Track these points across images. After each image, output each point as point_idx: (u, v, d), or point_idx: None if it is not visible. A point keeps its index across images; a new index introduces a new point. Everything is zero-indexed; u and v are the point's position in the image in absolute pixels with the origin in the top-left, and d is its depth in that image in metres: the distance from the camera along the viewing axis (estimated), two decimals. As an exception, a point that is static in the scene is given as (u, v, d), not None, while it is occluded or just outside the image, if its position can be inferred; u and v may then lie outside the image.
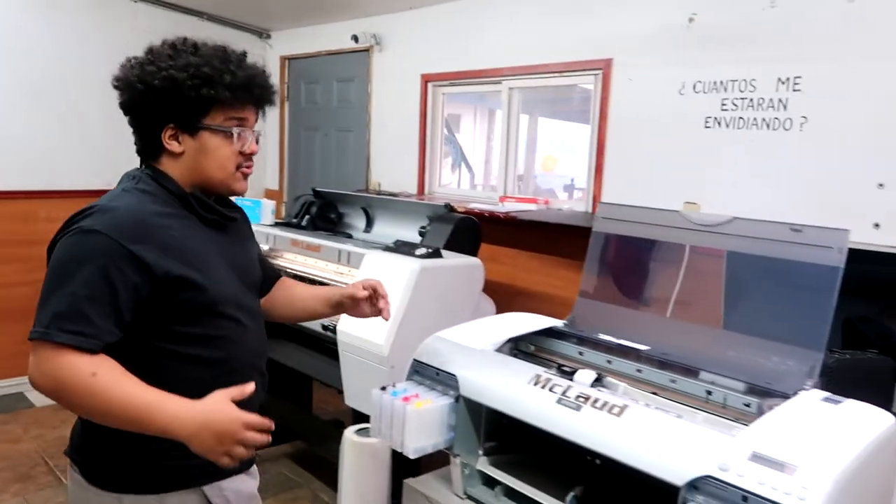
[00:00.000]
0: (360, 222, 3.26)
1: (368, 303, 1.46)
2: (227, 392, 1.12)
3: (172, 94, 1.20)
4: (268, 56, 4.77)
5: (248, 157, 1.30)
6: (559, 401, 1.29)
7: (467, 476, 1.49)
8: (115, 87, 1.26)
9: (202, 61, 1.21)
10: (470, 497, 1.49)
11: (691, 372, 1.43)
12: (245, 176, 1.33)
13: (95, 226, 1.15)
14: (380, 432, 1.49)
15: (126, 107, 1.26)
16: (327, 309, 1.52)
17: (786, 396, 1.27)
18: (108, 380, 1.11)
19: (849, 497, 1.00)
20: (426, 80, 3.76)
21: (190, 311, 1.21)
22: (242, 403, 1.14)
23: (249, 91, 1.28)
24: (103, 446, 1.23)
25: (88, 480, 1.24)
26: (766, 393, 1.32)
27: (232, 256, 1.33)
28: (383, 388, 1.51)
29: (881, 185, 2.22)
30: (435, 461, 1.57)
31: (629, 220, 1.68)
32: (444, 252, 2.52)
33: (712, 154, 2.61)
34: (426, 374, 1.55)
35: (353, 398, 2.38)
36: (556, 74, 3.15)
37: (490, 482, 1.49)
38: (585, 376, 1.37)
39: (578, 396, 1.28)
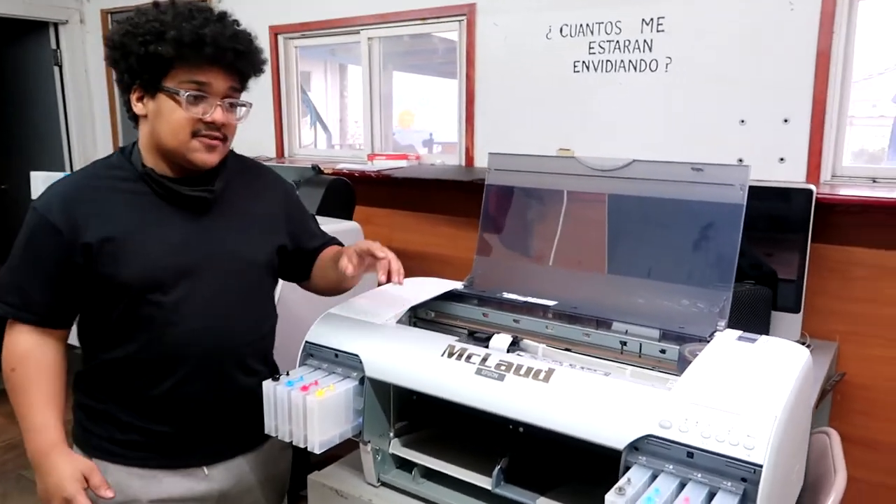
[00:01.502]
0: (216, 193, 2.95)
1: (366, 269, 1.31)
2: (86, 466, 1.23)
3: (128, 50, 1.18)
4: (85, 10, 4.19)
5: (209, 126, 1.20)
6: (479, 371, 1.18)
7: (380, 462, 1.36)
8: (106, 47, 1.25)
9: (156, 16, 1.17)
10: (385, 484, 1.36)
11: (603, 324, 1.38)
12: (209, 147, 1.22)
13: (36, 202, 1.23)
14: (276, 429, 1.32)
15: (111, 67, 1.25)
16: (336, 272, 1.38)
17: (702, 340, 1.24)
18: (20, 382, 1.23)
19: (788, 434, 0.98)
20: (275, 32, 3.46)
21: (112, 290, 1.22)
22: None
23: (198, 49, 1.15)
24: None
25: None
26: (681, 338, 1.29)
27: (202, 238, 1.26)
28: (275, 379, 1.33)
29: (742, 121, 2.30)
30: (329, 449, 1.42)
31: (523, 170, 1.59)
32: (318, 218, 2.32)
33: (583, 99, 2.60)
34: (322, 356, 1.38)
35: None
36: (418, 22, 2.99)
37: (406, 465, 1.37)
38: (501, 341, 1.27)
39: (499, 365, 1.18)
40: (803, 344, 1.97)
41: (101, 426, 1.32)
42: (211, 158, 1.23)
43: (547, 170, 1.55)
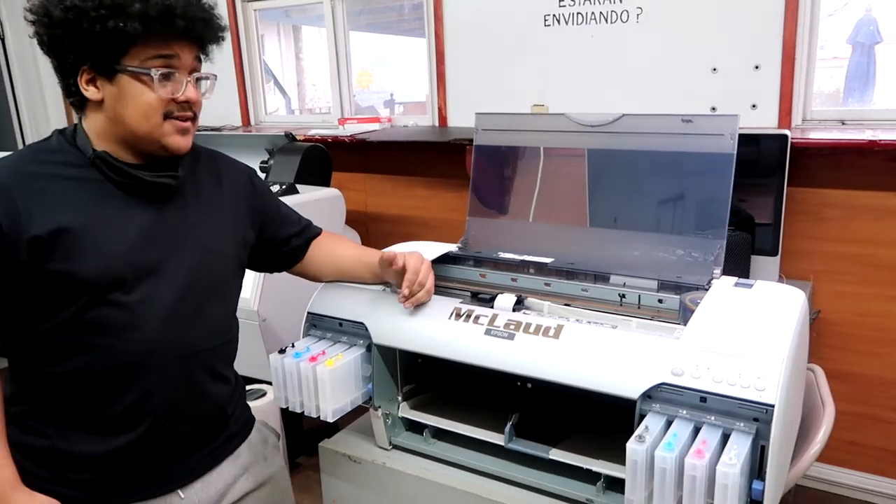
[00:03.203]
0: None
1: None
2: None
3: (75, 27, 1.01)
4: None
5: (182, 105, 1.08)
6: (488, 332, 1.20)
7: (390, 426, 1.38)
8: (29, 22, 1.05)
9: None
10: (397, 447, 1.39)
11: (601, 278, 1.41)
12: (182, 130, 1.09)
13: None
14: (286, 400, 1.32)
15: (39, 45, 1.06)
16: (374, 279, 1.37)
17: (701, 288, 1.28)
18: None
19: (793, 374, 1.03)
20: (233, -5, 3.34)
21: (65, 289, 1.04)
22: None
23: (169, 24, 1.03)
24: None
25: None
26: (679, 287, 1.32)
27: (165, 230, 1.11)
28: (282, 351, 1.33)
29: (714, 69, 2.32)
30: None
31: (512, 129, 1.59)
32: (297, 187, 2.29)
33: (555, 53, 2.58)
34: (326, 326, 1.38)
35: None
36: (383, -20, 2.91)
37: (416, 427, 1.39)
38: (506, 300, 1.29)
39: (508, 324, 1.20)
40: (782, 285, 2.06)
41: (47, 468, 1.10)
42: (186, 142, 1.12)
43: (536, 128, 1.56)
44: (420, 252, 1.34)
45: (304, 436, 2.38)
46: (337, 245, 1.41)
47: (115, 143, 1.09)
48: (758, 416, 0.97)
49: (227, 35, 1.19)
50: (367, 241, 2.94)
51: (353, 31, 3.52)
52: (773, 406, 0.96)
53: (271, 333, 2.09)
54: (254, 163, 2.65)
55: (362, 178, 3.15)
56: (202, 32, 1.10)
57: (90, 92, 1.05)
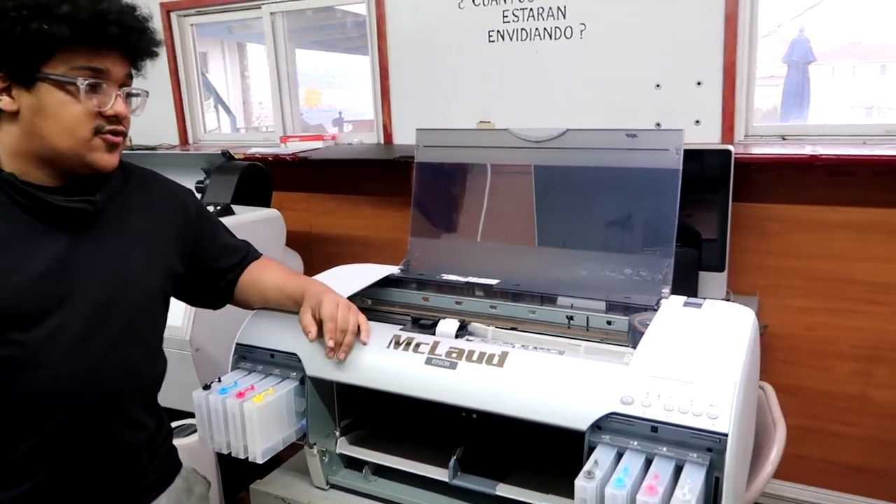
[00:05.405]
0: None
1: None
2: None
3: None
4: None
5: (111, 120, 1.00)
6: (429, 361, 1.13)
7: (327, 463, 1.29)
8: None
9: None
10: (335, 486, 1.29)
11: (548, 299, 1.35)
12: (111, 146, 1.01)
13: None
14: (212, 440, 1.22)
15: None
16: (298, 308, 1.24)
17: (650, 309, 1.23)
18: None
19: (745, 398, 0.98)
20: (167, 9, 3.22)
21: None
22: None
23: (101, 30, 0.94)
24: None
25: None
26: (627, 308, 1.28)
27: (78, 260, 1.01)
28: (206, 387, 1.23)
29: (658, 85, 2.31)
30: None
31: (455, 145, 1.53)
32: (234, 207, 2.18)
33: (500, 69, 2.55)
34: (256, 358, 1.29)
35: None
36: (323, -6, 2.85)
37: (355, 463, 1.30)
38: (448, 326, 1.22)
39: (450, 352, 1.12)
40: (728, 301, 2.04)
41: None
42: (113, 160, 1.02)
43: (478, 144, 1.50)
44: (330, 293, 1.22)
45: (245, 468, 2.24)
46: (263, 272, 1.31)
47: (31, 161, 0.99)
48: (711, 447, 0.92)
49: (162, 50, 1.10)
50: (312, 263, 2.84)
51: (300, 48, 3.44)
52: (726, 435, 0.91)
53: (206, 364, 1.97)
54: (190, 183, 2.53)
55: (306, 197, 3.05)
56: (136, 43, 1.02)
57: (3, 102, 0.96)
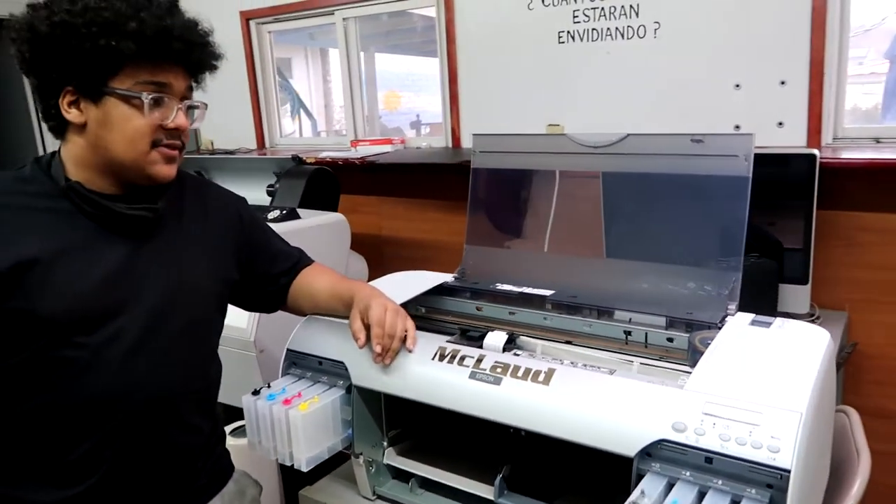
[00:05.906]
0: (195, 189, 2.84)
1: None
2: None
3: (63, 44, 0.95)
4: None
5: (171, 133, 1.03)
6: (473, 375, 1.09)
7: (374, 474, 1.27)
8: (10, 39, 1.00)
9: (104, 4, 0.95)
10: (381, 497, 1.28)
11: (605, 313, 1.29)
12: (169, 158, 1.03)
13: None
14: (260, 445, 1.23)
15: (19, 64, 1.01)
16: (348, 312, 1.23)
17: (713, 326, 1.15)
18: None
19: (814, 430, 0.90)
20: (246, 17, 3.31)
21: (24, 328, 0.97)
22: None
23: (166, 46, 0.98)
24: None
25: None
26: (690, 324, 1.20)
27: (140, 266, 1.05)
28: (255, 393, 1.24)
29: (737, 85, 2.19)
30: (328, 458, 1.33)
31: (512, 150, 1.49)
32: (300, 211, 2.22)
33: (570, 71, 2.48)
34: (306, 365, 1.29)
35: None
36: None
37: (402, 475, 1.28)
38: (496, 339, 1.18)
39: (494, 367, 1.08)
40: (812, 316, 1.90)
41: None
42: (171, 171, 1.05)
43: (536, 149, 1.45)
44: (380, 297, 1.20)
45: (300, 482, 2.26)
46: (315, 277, 1.31)
47: (95, 171, 1.03)
48: (772, 483, 0.84)
49: (223, 63, 1.13)
50: (382, 265, 2.86)
51: (379, 52, 3.48)
52: (788, 471, 0.83)
53: (269, 365, 2.01)
54: (261, 186, 2.60)
55: (376, 201, 3.07)
56: (198, 57, 1.05)
57: (72, 115, 0.99)
